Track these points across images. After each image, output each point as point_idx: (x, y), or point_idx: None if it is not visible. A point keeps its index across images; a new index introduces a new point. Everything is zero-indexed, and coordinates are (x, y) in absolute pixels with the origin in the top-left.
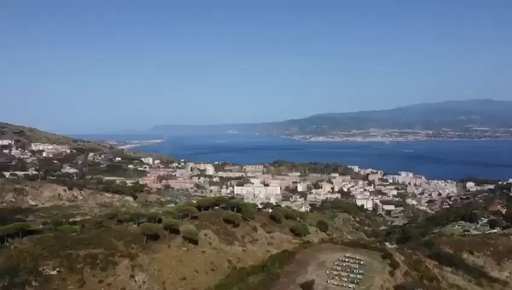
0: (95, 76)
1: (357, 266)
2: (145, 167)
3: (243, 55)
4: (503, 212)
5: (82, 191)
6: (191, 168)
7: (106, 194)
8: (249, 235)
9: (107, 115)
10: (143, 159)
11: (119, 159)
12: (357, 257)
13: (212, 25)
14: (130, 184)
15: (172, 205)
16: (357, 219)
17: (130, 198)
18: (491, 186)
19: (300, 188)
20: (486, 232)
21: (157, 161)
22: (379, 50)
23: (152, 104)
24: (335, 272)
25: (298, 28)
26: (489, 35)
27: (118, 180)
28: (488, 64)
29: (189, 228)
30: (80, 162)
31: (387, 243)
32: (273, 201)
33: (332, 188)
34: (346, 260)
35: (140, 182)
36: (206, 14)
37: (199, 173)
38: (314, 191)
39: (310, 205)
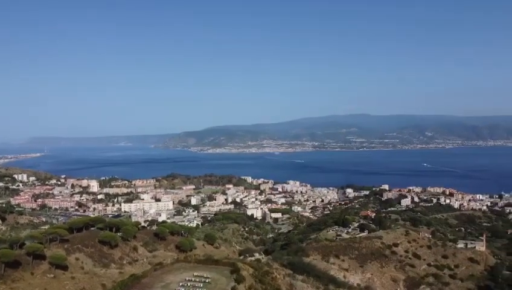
0: None
1: (201, 285)
2: (18, 185)
3: (132, 64)
4: (372, 217)
5: None
6: (72, 185)
7: None
8: (128, 256)
9: None
10: (16, 176)
11: None
12: (205, 275)
13: (99, 27)
14: None
15: (47, 226)
16: (246, 229)
17: None
18: (367, 192)
19: (194, 201)
20: (356, 235)
21: (32, 178)
22: (271, 68)
23: (29, 114)
24: None
25: (194, 40)
26: (361, 56)
27: None
28: (363, 82)
29: (57, 253)
30: None
31: (256, 254)
32: (164, 217)
33: (226, 200)
34: (193, 279)
35: (12, 202)
36: (94, 14)
37: (81, 190)
38: (208, 203)
39: (203, 218)
